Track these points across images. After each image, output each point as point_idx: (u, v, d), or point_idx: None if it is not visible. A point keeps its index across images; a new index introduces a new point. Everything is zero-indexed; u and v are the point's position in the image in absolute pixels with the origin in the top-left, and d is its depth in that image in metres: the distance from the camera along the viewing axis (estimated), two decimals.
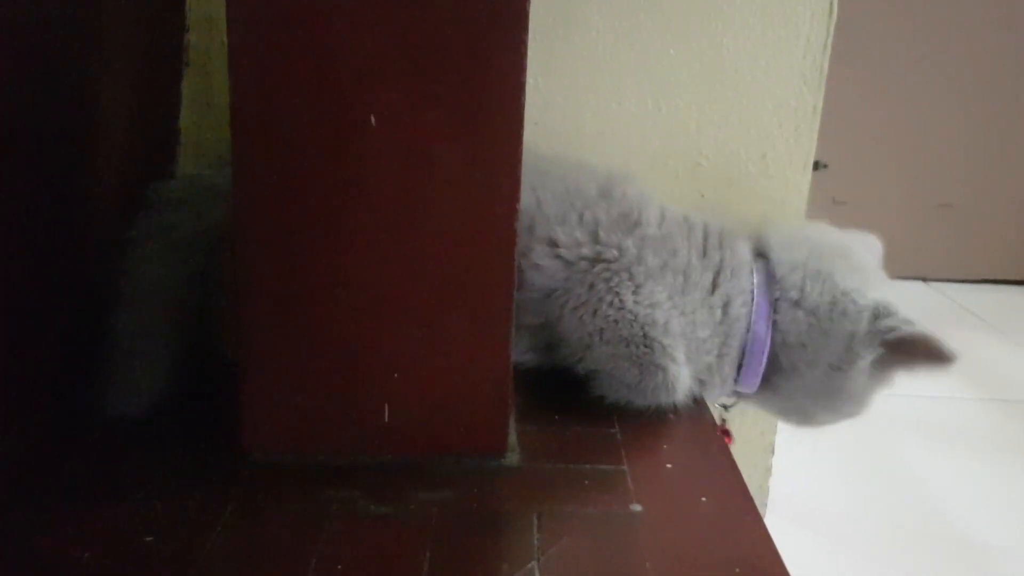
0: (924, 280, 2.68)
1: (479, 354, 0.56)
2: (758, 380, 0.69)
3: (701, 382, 0.68)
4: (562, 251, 0.67)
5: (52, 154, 0.61)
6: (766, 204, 0.85)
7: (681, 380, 0.65)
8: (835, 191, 2.66)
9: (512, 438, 0.59)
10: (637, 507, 0.52)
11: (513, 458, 0.58)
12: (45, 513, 0.50)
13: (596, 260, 0.66)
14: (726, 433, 0.75)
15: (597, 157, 0.82)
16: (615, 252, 0.66)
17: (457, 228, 0.53)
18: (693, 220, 0.72)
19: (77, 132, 0.64)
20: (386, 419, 0.56)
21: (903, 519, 1.39)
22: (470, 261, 0.54)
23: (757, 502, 0.97)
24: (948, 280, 2.70)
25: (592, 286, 0.66)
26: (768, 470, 1.04)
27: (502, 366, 0.56)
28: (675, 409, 0.65)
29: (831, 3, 0.81)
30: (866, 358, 0.66)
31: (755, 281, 0.69)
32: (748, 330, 0.68)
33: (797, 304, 0.68)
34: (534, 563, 0.46)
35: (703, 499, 0.54)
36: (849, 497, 1.44)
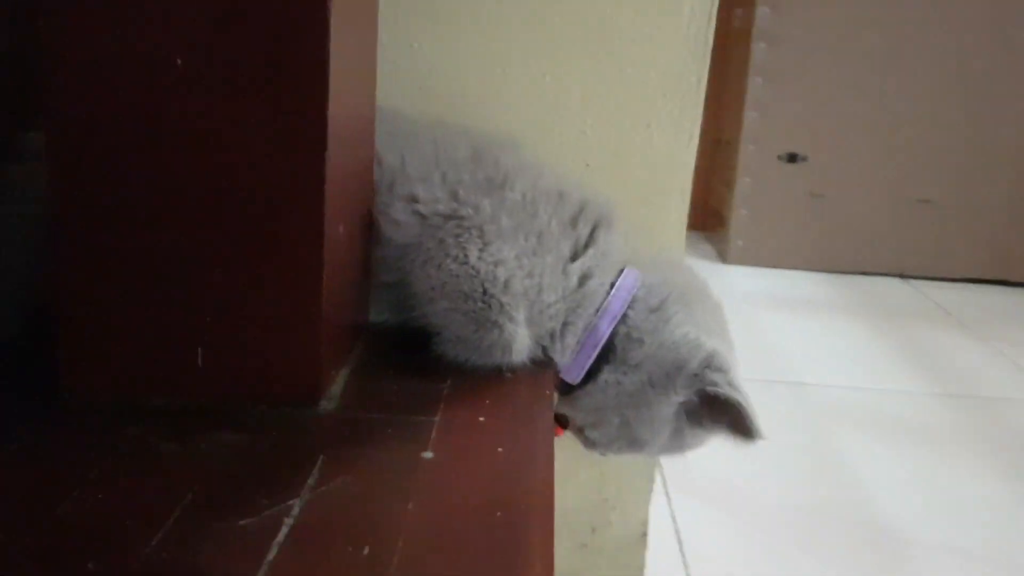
0: (902, 277, 2.65)
1: (290, 301, 0.56)
2: (582, 373, 0.69)
3: (543, 348, 0.68)
4: (419, 206, 0.67)
5: None
6: (651, 174, 0.84)
7: (519, 340, 0.65)
8: (812, 184, 2.64)
9: (336, 388, 0.60)
10: (428, 454, 0.52)
11: (327, 407, 0.58)
12: None
13: (450, 216, 0.67)
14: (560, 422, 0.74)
15: (482, 123, 0.82)
16: (470, 211, 0.66)
17: (265, 171, 0.54)
18: (570, 195, 0.71)
19: None
20: (200, 363, 0.56)
21: (828, 507, 1.38)
22: (278, 206, 0.54)
23: (644, 476, 0.96)
24: (926, 277, 2.67)
25: (442, 241, 0.66)
26: None
27: (314, 314, 0.56)
28: (512, 369, 0.65)
29: None
30: (679, 396, 0.67)
31: (622, 277, 0.70)
32: (595, 314, 0.68)
33: (653, 310, 0.70)
34: (296, 500, 0.46)
35: (499, 449, 0.54)
36: (778, 484, 1.43)
